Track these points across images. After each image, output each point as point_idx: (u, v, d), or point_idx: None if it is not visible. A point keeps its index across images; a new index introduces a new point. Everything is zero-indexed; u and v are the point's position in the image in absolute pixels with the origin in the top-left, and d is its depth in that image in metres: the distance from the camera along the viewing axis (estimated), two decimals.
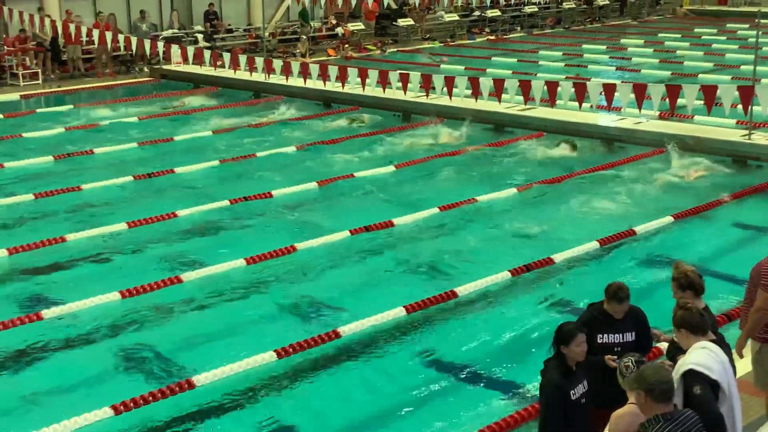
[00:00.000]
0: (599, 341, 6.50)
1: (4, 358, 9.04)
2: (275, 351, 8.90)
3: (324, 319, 9.98)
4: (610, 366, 6.21)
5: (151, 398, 8.04)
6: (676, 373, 5.57)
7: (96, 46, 25.96)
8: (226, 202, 14.08)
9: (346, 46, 30.92)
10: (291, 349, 8.97)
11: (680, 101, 17.07)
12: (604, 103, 18.32)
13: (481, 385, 8.60)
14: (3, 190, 15.02)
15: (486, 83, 19.60)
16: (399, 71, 21.83)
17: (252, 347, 9.02)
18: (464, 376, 8.76)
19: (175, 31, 29.60)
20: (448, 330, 9.77)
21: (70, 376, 8.73)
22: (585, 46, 31.43)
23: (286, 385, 8.56)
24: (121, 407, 7.86)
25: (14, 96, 23.48)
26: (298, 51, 29.18)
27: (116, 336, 9.58)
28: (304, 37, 30.18)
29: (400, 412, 8.12)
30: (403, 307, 9.95)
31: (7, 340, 9.35)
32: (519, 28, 36.80)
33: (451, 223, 13.25)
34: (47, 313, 9.90)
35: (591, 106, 18.79)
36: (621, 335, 6.57)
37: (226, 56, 24.34)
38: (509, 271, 11.01)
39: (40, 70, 25.24)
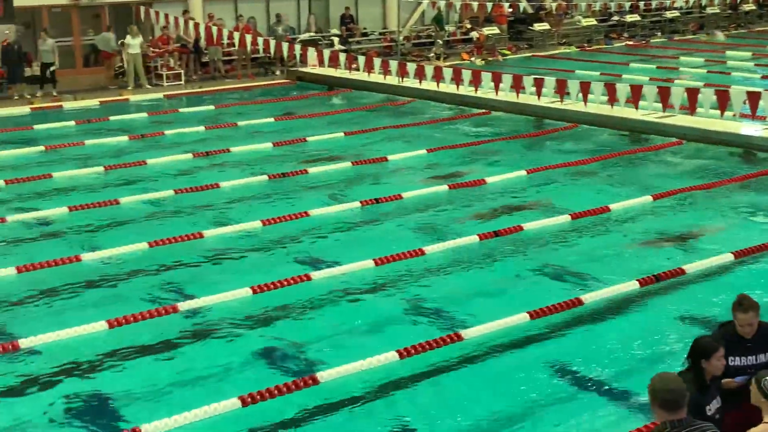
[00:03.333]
0: (731, 363, 6.22)
1: (141, 348, 9.38)
2: (397, 351, 8.93)
3: (447, 321, 9.96)
4: (729, 388, 5.99)
5: (276, 392, 8.20)
6: None
7: (236, 48, 26.71)
8: (357, 204, 14.25)
9: (484, 52, 30.81)
10: (413, 350, 8.99)
11: None
12: (748, 112, 17.64)
13: (606, 396, 8.40)
14: (145, 185, 15.62)
15: (623, 89, 19.19)
16: (533, 76, 21.61)
17: (375, 347, 9.07)
18: (588, 385, 8.58)
19: (312, 34, 30.14)
20: (572, 338, 9.59)
21: (200, 368, 8.98)
22: (729, 52, 30.35)
23: (406, 386, 8.58)
24: (249, 399, 8.05)
25: (158, 95, 24.42)
26: (432, 55, 29.24)
27: (246, 330, 9.81)
28: (439, 41, 30.22)
29: (520, 419, 8.01)
30: (527, 312, 9.83)
31: (144, 330, 9.70)
32: (659, 34, 35.84)
33: (581, 231, 13.02)
34: (182, 305, 10.23)
35: (733, 115, 18.14)
36: (754, 357, 6.30)
37: (361, 59, 24.62)
38: (638, 280, 10.73)
39: (183, 71, 26.15)
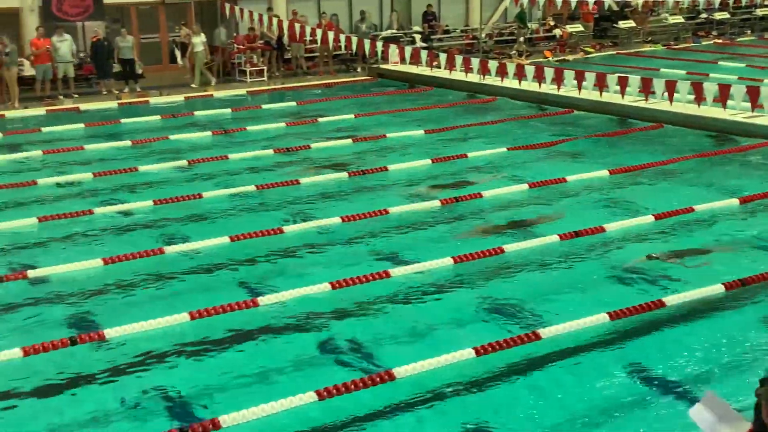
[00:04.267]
0: None
1: (220, 340, 9.53)
2: (474, 348, 8.90)
3: (524, 320, 9.88)
4: None
5: (353, 387, 8.24)
6: None
7: (318, 45, 26.93)
8: (437, 203, 14.23)
9: (567, 50, 30.47)
10: (490, 348, 8.94)
11: None
12: None
13: (686, 401, 8.20)
14: (227, 180, 15.86)
15: (710, 88, 18.75)
16: (618, 74, 21.27)
17: (452, 344, 9.05)
18: (667, 390, 8.40)
19: (394, 31, 30.21)
20: (653, 341, 9.41)
21: (278, 361, 9.07)
22: None
23: (482, 385, 8.53)
24: (325, 393, 8.11)
25: (241, 91, 24.79)
26: (513, 52, 29.03)
27: (324, 325, 9.88)
28: (521, 38, 29.98)
29: (595, 422, 7.89)
30: (607, 313, 9.69)
31: (225, 323, 9.84)
32: (749, 32, 34.92)
33: (665, 232, 12.77)
34: (262, 300, 10.36)
35: None
36: None
37: (443, 57, 24.58)
38: (723, 284, 10.48)
39: (266, 68, 26.47)
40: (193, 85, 24.63)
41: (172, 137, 19.13)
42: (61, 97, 23.06)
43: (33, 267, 11.46)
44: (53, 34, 23.13)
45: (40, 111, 21.93)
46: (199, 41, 24.77)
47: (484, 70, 23.18)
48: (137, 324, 9.61)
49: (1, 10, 24.51)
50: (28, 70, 23.25)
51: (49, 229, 13.10)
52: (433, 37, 30.47)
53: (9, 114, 21.58)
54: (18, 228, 13.14)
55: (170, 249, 12.14)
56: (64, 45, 23.08)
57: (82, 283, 11.04)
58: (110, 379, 8.72)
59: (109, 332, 9.48)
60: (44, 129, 19.92)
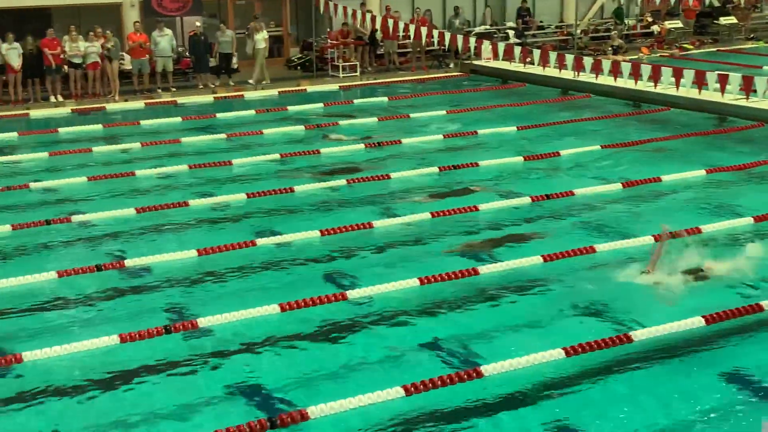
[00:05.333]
0: None
1: (310, 333, 9.62)
2: (563, 348, 8.80)
3: (615, 321, 9.71)
4: None
5: (440, 383, 8.23)
6: None
7: (411, 40, 26.94)
8: (527, 199, 14.11)
9: (665, 46, 29.84)
10: (580, 348, 8.82)
11: None
12: None
13: None
14: (319, 174, 15.98)
15: None
16: (717, 71, 20.72)
17: (541, 343, 8.98)
18: (762, 396, 8.17)
19: (487, 27, 30.02)
20: (751, 345, 9.15)
21: (365, 355, 9.12)
22: None
23: (571, 385, 8.42)
24: (412, 388, 8.12)
25: (334, 87, 24.98)
26: (609, 49, 28.54)
27: (411, 321, 9.89)
28: (615, 34, 29.45)
29: (691, 428, 7.71)
30: (702, 317, 9.46)
31: (313, 316, 9.93)
32: None
33: (765, 235, 12.40)
34: (351, 293, 10.43)
35: None
36: None
37: (536, 53, 24.32)
38: None
39: (358, 63, 26.61)
40: (250, 81, 24.70)
41: (265, 131, 19.40)
42: (160, 90, 23.60)
43: (130, 256, 11.78)
44: (154, 29, 23.69)
45: (139, 104, 22.51)
46: (261, 37, 24.83)
47: (578, 67, 22.86)
48: (229, 314, 9.79)
49: (103, 4, 25.22)
50: (129, 64, 23.86)
51: (146, 219, 13.44)
52: (527, 33, 30.18)
53: (110, 107, 22.20)
54: (116, 218, 13.51)
55: (262, 241, 12.32)
56: (164, 39, 23.61)
57: (176, 273, 11.30)
58: (201, 368, 8.91)
59: (202, 321, 9.68)
60: (143, 122, 20.43)
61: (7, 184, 15.32)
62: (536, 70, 24.44)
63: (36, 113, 21.49)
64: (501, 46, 24.97)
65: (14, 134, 19.36)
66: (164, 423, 7.89)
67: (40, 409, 8.14)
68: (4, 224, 13.04)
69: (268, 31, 26.02)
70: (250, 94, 23.76)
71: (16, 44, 21.75)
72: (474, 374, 8.41)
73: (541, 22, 31.51)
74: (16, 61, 21.70)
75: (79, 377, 8.66)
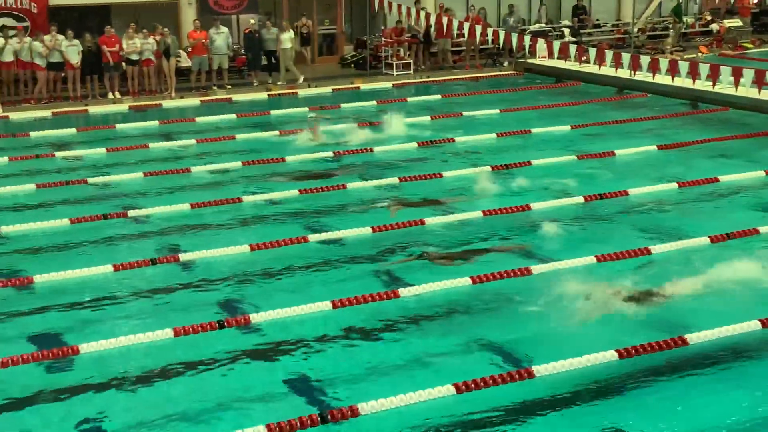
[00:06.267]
0: None
1: (361, 329, 9.65)
2: (616, 351, 8.71)
3: (670, 323, 9.57)
4: None
5: (491, 382, 8.20)
6: None
7: (465, 39, 26.85)
8: (580, 199, 13.98)
9: (725, 45, 29.37)
10: (633, 351, 8.72)
11: None
12: None
13: None
14: (372, 172, 16.00)
15: None
16: None
17: (594, 344, 8.88)
18: None
19: (542, 25, 29.82)
20: None
21: (417, 352, 9.11)
22: None
23: (623, 388, 8.33)
24: (463, 387, 8.10)
25: (387, 84, 24.99)
26: (667, 48, 28.17)
27: (464, 319, 9.86)
28: (672, 33, 29.05)
29: None
30: (759, 320, 9.29)
31: (365, 313, 9.95)
32: None
33: None
34: (403, 292, 10.43)
35: None
36: None
37: (592, 51, 24.08)
38: None
39: (412, 61, 26.59)
40: (279, 83, 24.67)
41: (319, 128, 19.46)
42: (215, 87, 23.83)
43: (184, 251, 11.90)
44: (210, 27, 23.92)
45: (194, 101, 22.74)
46: (287, 38, 24.71)
47: (635, 66, 22.59)
48: (281, 310, 9.86)
49: (161, 2, 25.53)
50: (185, 62, 24.12)
51: (200, 214, 13.57)
52: (582, 31, 29.92)
53: (166, 104, 22.47)
54: (171, 213, 13.67)
55: (314, 237, 12.38)
56: (220, 37, 23.83)
57: (230, 268, 11.38)
58: (253, 363, 8.98)
59: (255, 317, 9.76)
60: (198, 119, 20.65)
61: (66, 179, 15.59)
62: (591, 68, 24.20)
63: (94, 110, 21.84)
64: (556, 44, 24.76)
65: (73, 130, 19.71)
66: (216, 416, 7.96)
67: (95, 401, 8.26)
68: (63, 218, 13.28)
69: (322, 29, 26.08)
70: (303, 92, 23.88)
71: (76, 41, 22.12)
72: (525, 374, 8.36)
73: (597, 20, 31.20)
74: (75, 57, 22.08)
75: (133, 370, 8.78)
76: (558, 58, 24.87)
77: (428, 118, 20.55)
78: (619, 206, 13.77)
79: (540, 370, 8.41)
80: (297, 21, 26.28)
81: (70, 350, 9.05)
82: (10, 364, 8.73)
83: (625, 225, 13.06)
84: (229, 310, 10.12)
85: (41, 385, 8.51)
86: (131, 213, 13.61)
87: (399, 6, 26.05)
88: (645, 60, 22.45)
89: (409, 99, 23.15)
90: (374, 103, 22.38)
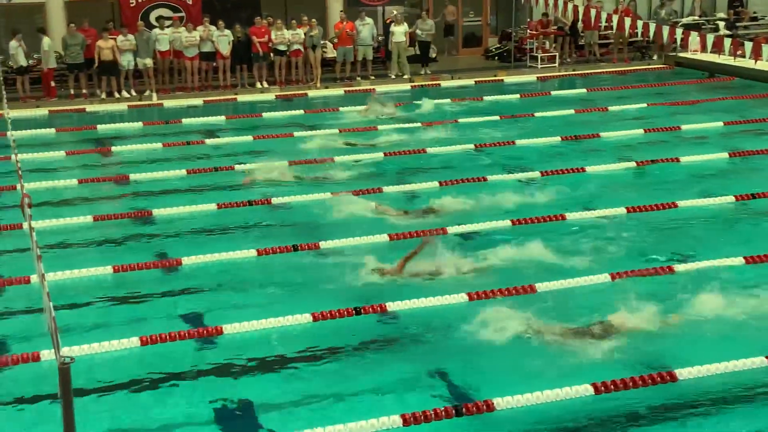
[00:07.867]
0: None
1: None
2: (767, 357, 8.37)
3: None
4: None
5: (631, 384, 8.03)
6: None
7: (614, 31, 26.23)
8: (730, 198, 13.47)
9: None
10: None
11: None
12: None
13: None
14: (514, 164, 15.84)
15: None
16: None
17: (742, 347, 8.58)
18: None
19: (696, 18, 28.80)
20: None
21: (555, 351, 8.97)
22: None
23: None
24: (602, 387, 7.97)
25: (531, 77, 24.71)
26: None
27: (602, 320, 9.59)
28: None
29: None
30: None
31: (505, 308, 9.76)
32: None
33: None
34: (539, 286, 10.31)
35: None
36: None
37: (748, 45, 23.10)
38: None
39: (557, 54, 26.18)
40: (391, 75, 24.51)
41: (461, 120, 19.42)
42: (359, 78, 24.10)
43: (324, 238, 12.04)
44: (355, 18, 24.20)
45: (339, 91, 23.07)
46: (400, 31, 24.50)
47: None
48: (417, 300, 9.91)
49: None
50: (331, 52, 24.48)
51: (341, 204, 13.62)
52: (738, 24, 28.74)
53: (311, 93, 22.89)
54: (312, 201, 13.86)
55: (452, 230, 12.36)
56: (366, 29, 24.08)
57: (368, 255, 11.33)
58: (389, 352, 9.09)
59: (390, 305, 9.84)
60: (342, 108, 20.93)
61: (215, 165, 16.09)
62: (747, 63, 23.23)
63: (243, 98, 22.48)
64: (710, 37, 23.87)
65: (222, 118, 20.34)
66: (352, 401, 8.09)
67: (238, 381, 8.53)
68: (211, 203, 13.72)
69: (467, 20, 25.97)
70: (446, 83, 23.87)
71: (227, 31, 22.80)
72: (668, 377, 8.13)
73: (754, 13, 29.90)
74: (225, 47, 22.77)
75: (275, 352, 9.01)
76: (711, 51, 23.97)
77: (572, 111, 20.19)
78: None
79: (683, 373, 8.14)
80: (444, 10, 26.31)
81: (215, 330, 9.36)
82: (158, 341, 9.10)
83: None
84: (364, 299, 10.16)
85: (189, 364, 8.84)
86: (275, 200, 13.93)
87: None
88: None
89: (554, 92, 22.79)
90: (517, 96, 22.16)
